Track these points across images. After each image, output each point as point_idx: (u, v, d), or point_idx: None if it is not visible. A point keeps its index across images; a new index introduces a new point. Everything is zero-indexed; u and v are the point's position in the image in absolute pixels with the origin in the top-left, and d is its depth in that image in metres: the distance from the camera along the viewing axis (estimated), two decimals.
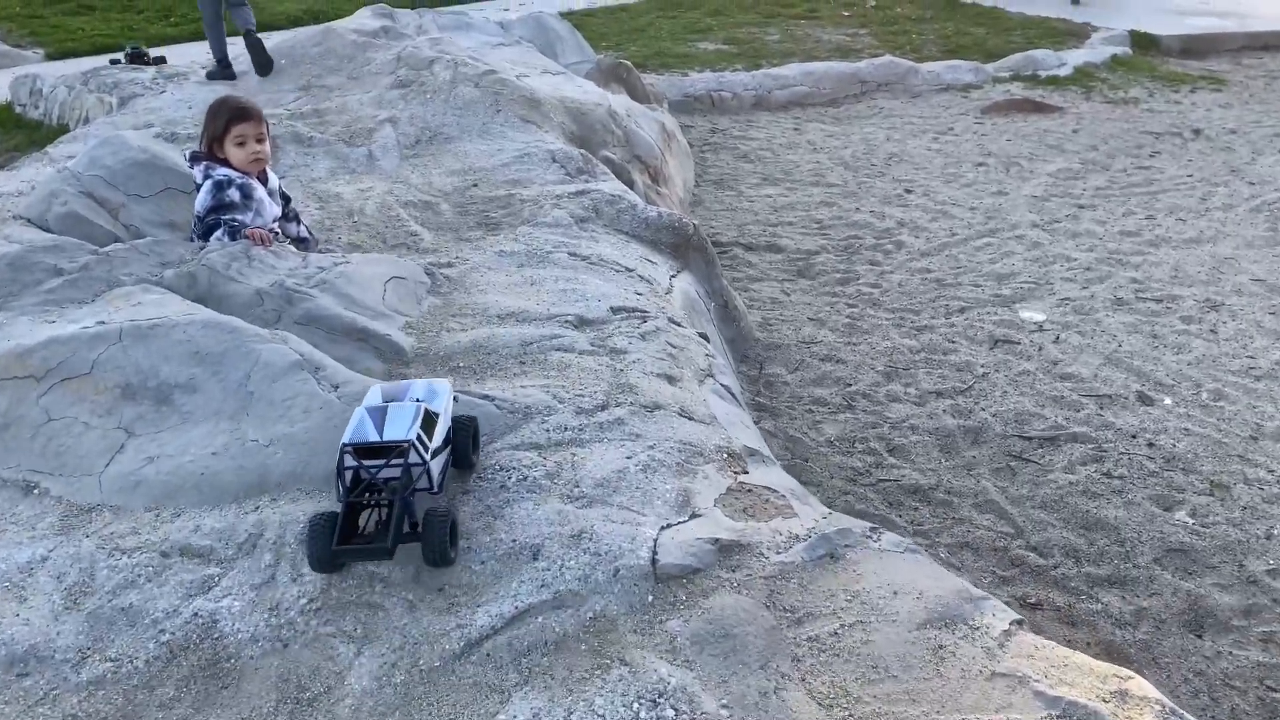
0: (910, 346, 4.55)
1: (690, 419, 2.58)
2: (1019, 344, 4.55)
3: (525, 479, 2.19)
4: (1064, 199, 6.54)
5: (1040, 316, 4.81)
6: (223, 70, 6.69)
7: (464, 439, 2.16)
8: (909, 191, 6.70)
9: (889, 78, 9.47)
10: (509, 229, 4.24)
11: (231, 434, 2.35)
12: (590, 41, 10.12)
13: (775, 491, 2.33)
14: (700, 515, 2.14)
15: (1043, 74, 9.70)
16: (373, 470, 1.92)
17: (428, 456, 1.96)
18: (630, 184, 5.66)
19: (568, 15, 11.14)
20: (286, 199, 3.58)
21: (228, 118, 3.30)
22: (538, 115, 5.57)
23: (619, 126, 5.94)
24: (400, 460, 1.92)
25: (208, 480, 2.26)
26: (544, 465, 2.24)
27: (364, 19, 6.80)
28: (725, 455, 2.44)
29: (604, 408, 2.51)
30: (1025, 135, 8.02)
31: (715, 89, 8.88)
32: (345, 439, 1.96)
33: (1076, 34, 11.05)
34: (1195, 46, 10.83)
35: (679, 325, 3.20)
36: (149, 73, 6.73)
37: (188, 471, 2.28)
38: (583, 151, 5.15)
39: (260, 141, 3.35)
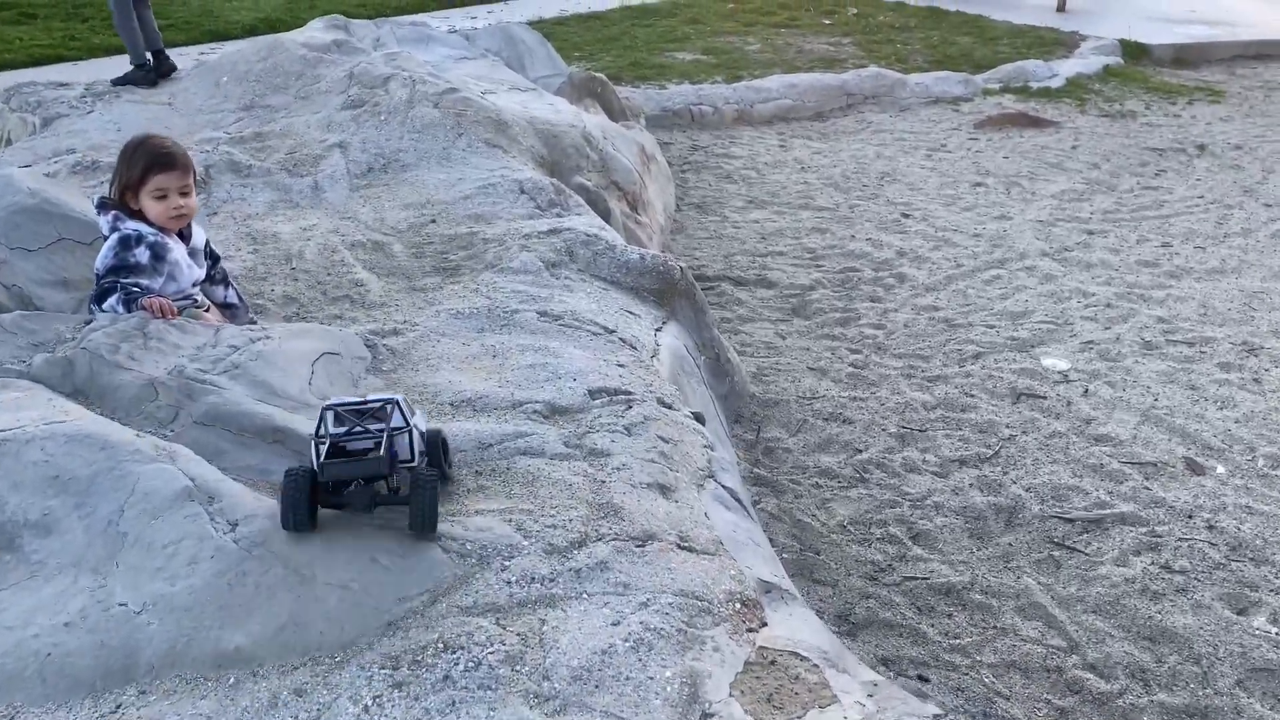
0: (924, 402, 4.02)
1: (691, 550, 2.03)
2: (1045, 398, 4.04)
3: (478, 666, 1.63)
4: (1071, 223, 6.04)
5: (1064, 365, 4.30)
6: (142, 74, 6.08)
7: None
8: (906, 216, 6.18)
9: (876, 90, 8.97)
10: (470, 275, 3.68)
11: (93, 594, 1.78)
12: (562, 52, 9.55)
13: (805, 660, 1.79)
14: (713, 717, 1.59)
15: (1034, 85, 9.23)
16: (354, 434, 1.88)
17: (412, 419, 1.95)
18: (607, 213, 5.12)
19: (538, 24, 10.57)
20: (214, 258, 2.99)
21: (146, 164, 2.71)
22: (504, 139, 5.01)
23: (594, 150, 5.38)
24: (380, 426, 1.89)
25: (55, 664, 1.68)
26: (504, 642, 1.68)
27: (316, 31, 6.20)
28: (738, 604, 1.89)
29: (582, 543, 1.95)
30: (1023, 152, 7.53)
31: (695, 103, 8.34)
32: (331, 401, 1.96)
33: (1065, 43, 10.61)
34: (1187, 56, 10.41)
35: (670, 407, 2.65)
36: (76, 89, 6.10)
37: (30, 650, 1.70)
38: (554, 181, 4.59)
39: (185, 195, 2.76)
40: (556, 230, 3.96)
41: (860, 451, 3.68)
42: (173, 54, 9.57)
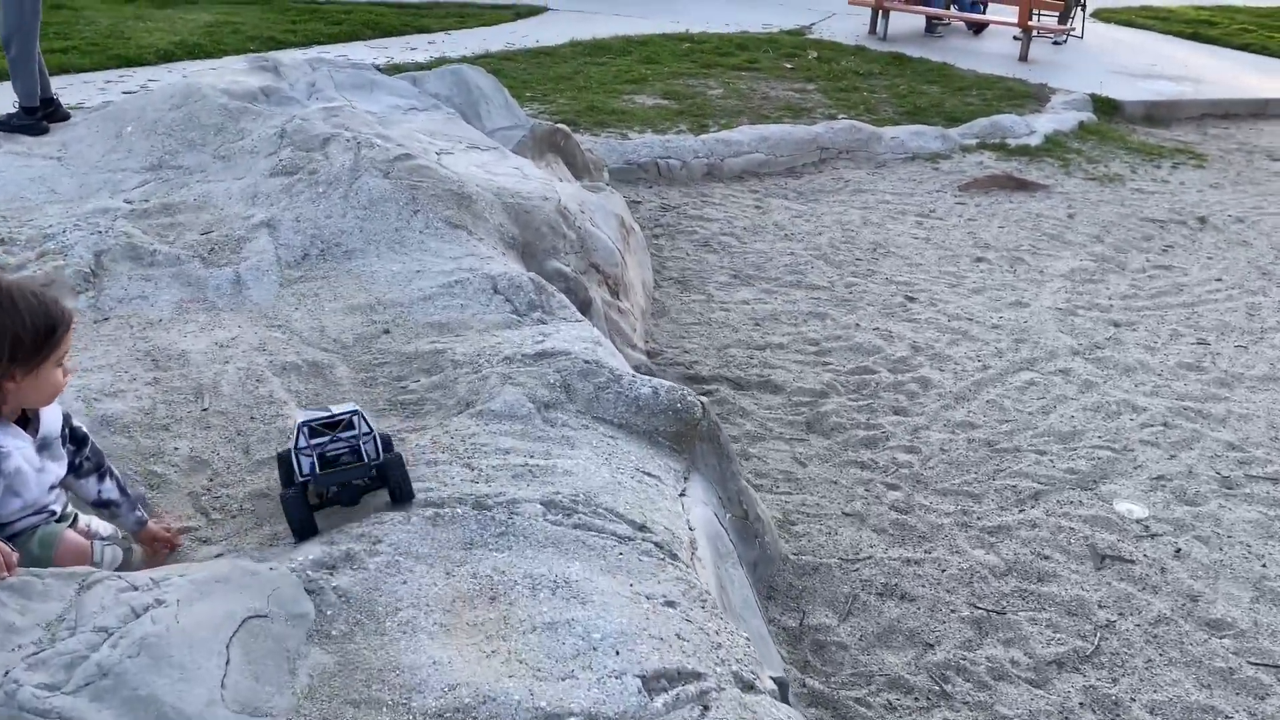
0: (992, 566, 3.27)
1: None
2: (1133, 562, 3.32)
3: None
4: (1092, 312, 5.40)
5: (1141, 511, 3.60)
6: (31, 119, 5.09)
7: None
8: (911, 299, 5.47)
9: (850, 144, 8.31)
10: (439, 419, 2.83)
11: None
12: (512, 91, 8.71)
13: None
14: None
15: (1012, 142, 8.68)
16: (327, 443, 2.21)
17: (372, 429, 2.28)
18: (587, 304, 4.30)
19: (484, 59, 9.72)
20: (79, 441, 2.08)
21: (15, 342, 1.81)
22: (469, 216, 4.15)
23: (572, 228, 4.55)
24: (353, 429, 2.24)
25: None
26: None
27: (240, 74, 5.25)
28: None
29: None
30: (1018, 220, 6.91)
31: (662, 156, 7.56)
32: (301, 419, 2.26)
33: (1036, 96, 10.12)
34: (1158, 113, 10.00)
35: (752, 687, 1.83)
36: None
37: None
38: (533, 276, 3.75)
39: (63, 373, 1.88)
40: (546, 354, 3.12)
41: (932, 647, 2.90)
42: (75, 80, 8.49)
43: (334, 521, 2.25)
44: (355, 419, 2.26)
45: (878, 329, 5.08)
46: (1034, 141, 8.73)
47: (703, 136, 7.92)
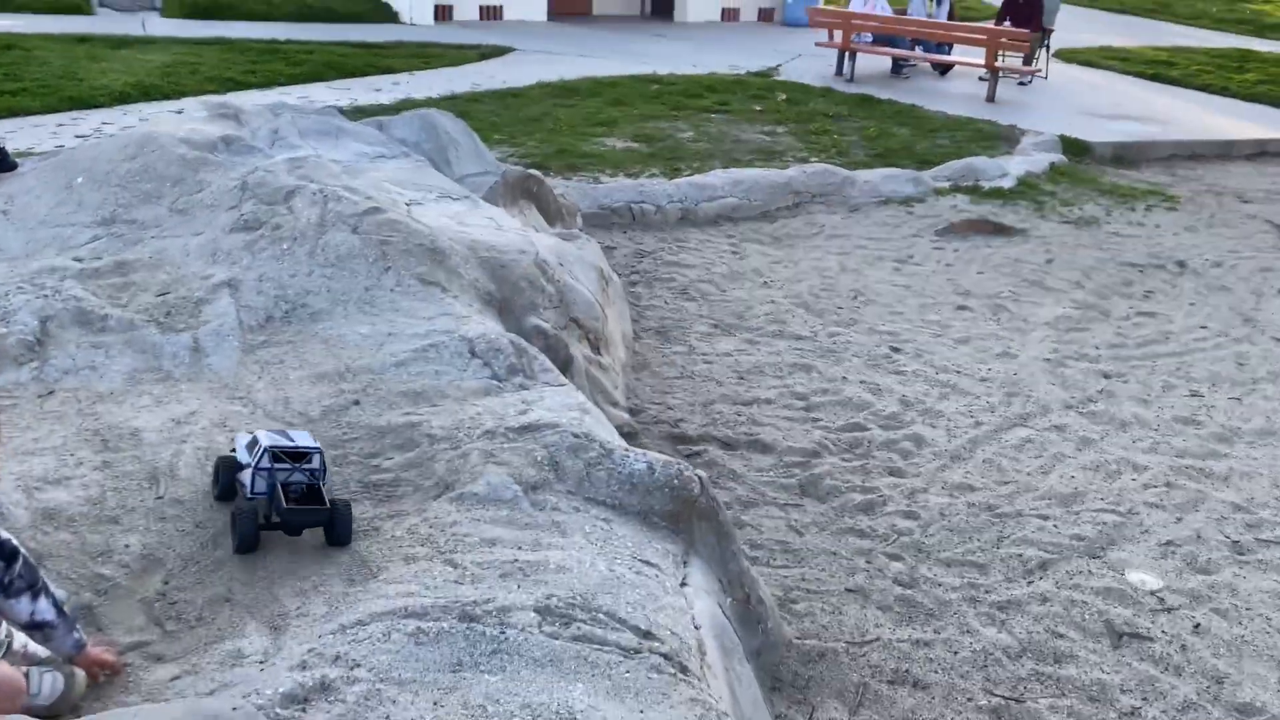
0: (1006, 647, 3.08)
1: None
2: (1152, 639, 3.14)
3: None
4: (1081, 362, 5.28)
5: (1155, 582, 3.43)
6: None
7: None
8: (896, 350, 5.32)
9: (823, 188, 8.20)
10: (416, 505, 2.61)
11: None
12: (480, 133, 8.54)
13: None
14: None
15: (985, 185, 8.63)
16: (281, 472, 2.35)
17: (326, 460, 2.46)
18: (568, 362, 4.09)
19: (450, 101, 9.55)
20: (9, 556, 1.82)
21: None
22: (442, 273, 3.94)
23: (551, 281, 4.35)
24: (311, 462, 2.39)
25: None
26: None
27: (199, 122, 5.01)
28: None
29: None
30: (996, 265, 6.82)
31: (636, 200, 7.40)
32: (266, 444, 2.39)
33: (1006, 138, 10.11)
34: (1127, 154, 10.03)
35: None
36: None
37: None
38: (513, 339, 3.54)
39: None
40: (531, 427, 2.90)
41: None
42: (25, 124, 8.19)
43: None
44: (315, 455, 2.43)
45: (865, 382, 4.91)
46: (1007, 184, 8.69)
47: (676, 180, 7.77)
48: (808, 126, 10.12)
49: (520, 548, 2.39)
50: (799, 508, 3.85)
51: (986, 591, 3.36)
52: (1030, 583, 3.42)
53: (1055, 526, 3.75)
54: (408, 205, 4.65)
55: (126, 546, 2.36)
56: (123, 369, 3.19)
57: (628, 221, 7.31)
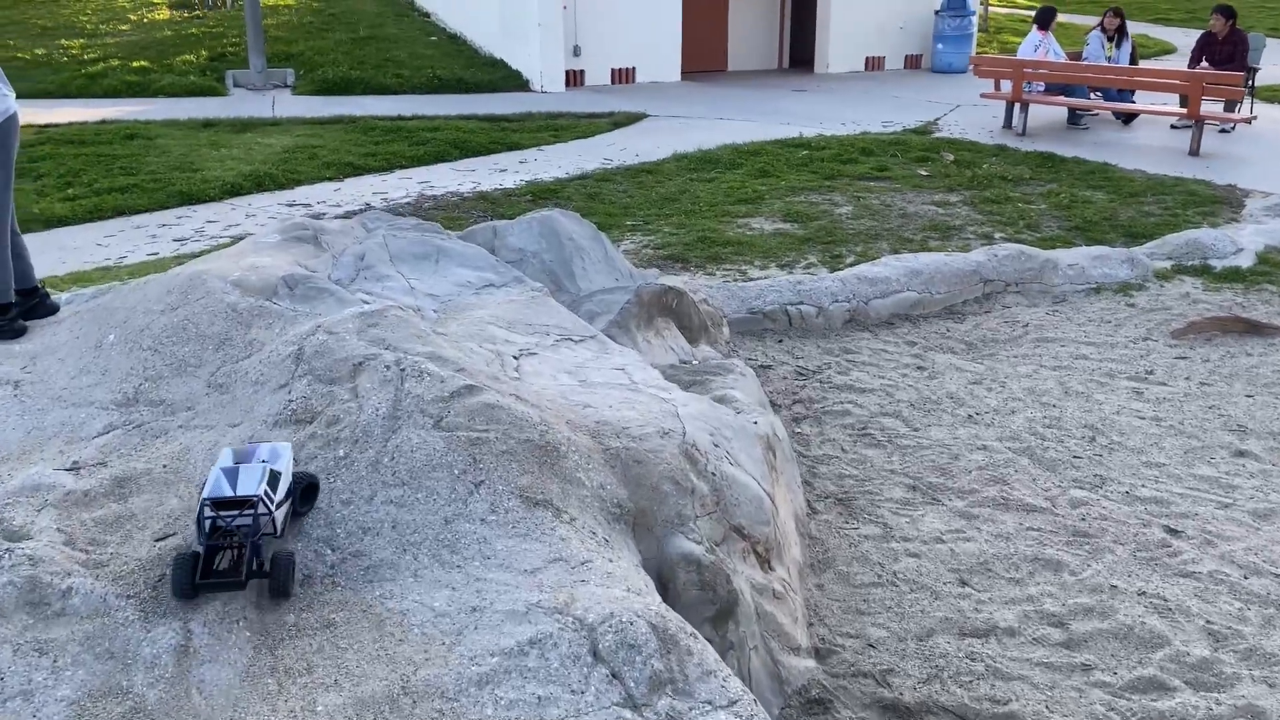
0: None
1: None
2: None
3: None
4: None
5: None
6: (4, 320, 3.88)
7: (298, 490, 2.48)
8: (1174, 533, 3.83)
9: (1019, 274, 6.72)
10: None
11: None
12: (610, 219, 7.42)
13: None
14: None
15: (1216, 264, 6.97)
16: (228, 519, 2.26)
17: (273, 508, 2.31)
18: (731, 604, 2.81)
19: (579, 182, 8.47)
20: None
21: None
22: (555, 483, 2.72)
23: (703, 475, 3.08)
24: (251, 511, 2.27)
25: None
26: None
27: (266, 252, 3.98)
28: None
29: None
30: (1267, 384, 5.20)
31: (793, 300, 6.10)
32: (205, 495, 2.29)
33: (1226, 200, 8.38)
34: None
35: None
36: None
37: None
38: (656, 617, 2.27)
39: None
40: None
41: None
42: (128, 225, 7.47)
43: None
44: (259, 501, 2.29)
45: (1144, 594, 3.44)
46: (1244, 262, 7.01)
47: (840, 274, 6.43)
48: (985, 193, 8.62)
49: None
50: None
51: None
52: None
53: None
54: (516, 359, 3.48)
55: None
56: (69, 695, 2.06)
57: (784, 327, 6.01)
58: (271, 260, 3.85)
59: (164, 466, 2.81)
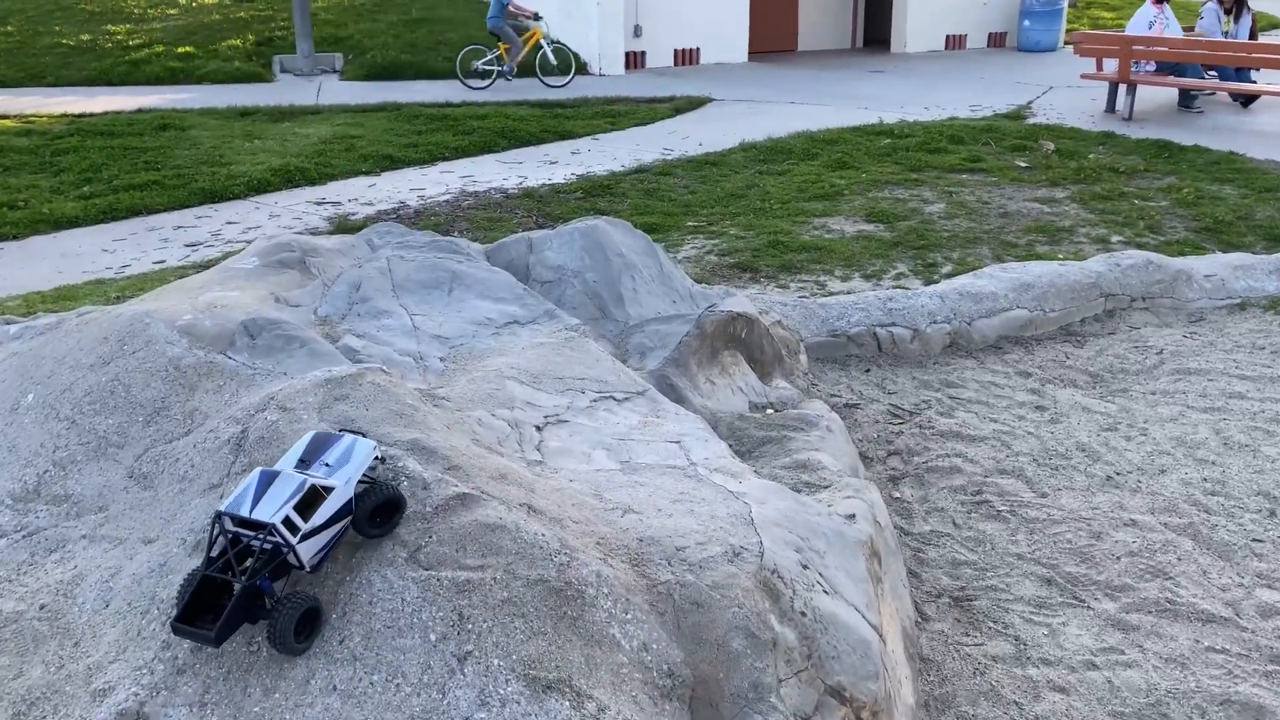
0: None
1: None
2: None
3: None
4: None
5: None
6: None
7: (365, 508, 1.92)
8: None
9: (1147, 288, 5.67)
10: None
11: None
12: (669, 219, 6.52)
13: None
14: None
15: None
16: (246, 538, 1.83)
17: (294, 540, 1.80)
18: None
19: (636, 176, 7.57)
20: None
21: None
22: (575, 647, 1.85)
23: (788, 618, 2.19)
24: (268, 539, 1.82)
25: None
26: None
27: (235, 284, 3.16)
28: None
29: None
30: None
31: (883, 321, 5.15)
32: (223, 506, 1.84)
33: None
34: None
35: None
36: None
37: None
38: None
39: None
40: None
41: None
42: (141, 226, 6.81)
43: None
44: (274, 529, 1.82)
45: None
46: None
47: (938, 288, 5.45)
48: (1094, 188, 7.53)
49: None
50: None
51: None
52: None
53: None
54: (539, 430, 2.63)
55: None
56: None
57: (872, 353, 5.07)
58: (239, 295, 3.04)
59: (41, 607, 2.01)
